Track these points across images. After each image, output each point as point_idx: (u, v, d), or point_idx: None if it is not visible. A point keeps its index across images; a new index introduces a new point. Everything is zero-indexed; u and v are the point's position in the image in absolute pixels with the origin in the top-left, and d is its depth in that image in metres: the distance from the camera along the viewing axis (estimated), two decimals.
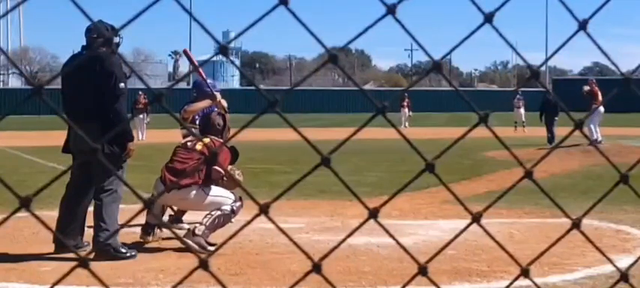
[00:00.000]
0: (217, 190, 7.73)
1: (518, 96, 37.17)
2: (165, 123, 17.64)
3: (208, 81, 9.24)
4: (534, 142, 23.21)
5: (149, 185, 9.02)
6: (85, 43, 7.58)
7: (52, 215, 7.60)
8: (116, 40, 7.57)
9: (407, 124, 39.04)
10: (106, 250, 7.06)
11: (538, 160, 1.54)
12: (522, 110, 35.43)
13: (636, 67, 1.94)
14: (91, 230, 7.68)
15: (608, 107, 22.46)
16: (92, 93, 7.19)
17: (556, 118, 24.02)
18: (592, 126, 21.51)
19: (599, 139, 21.54)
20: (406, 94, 39.93)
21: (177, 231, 8.01)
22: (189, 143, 7.98)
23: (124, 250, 7.24)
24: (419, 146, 1.31)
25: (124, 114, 7.40)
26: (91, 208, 7.65)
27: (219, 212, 7.51)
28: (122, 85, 7.27)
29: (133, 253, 7.29)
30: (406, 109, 40.33)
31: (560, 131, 23.40)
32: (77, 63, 7.45)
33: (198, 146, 7.89)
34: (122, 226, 1.65)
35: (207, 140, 7.91)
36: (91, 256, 7.11)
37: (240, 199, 7.81)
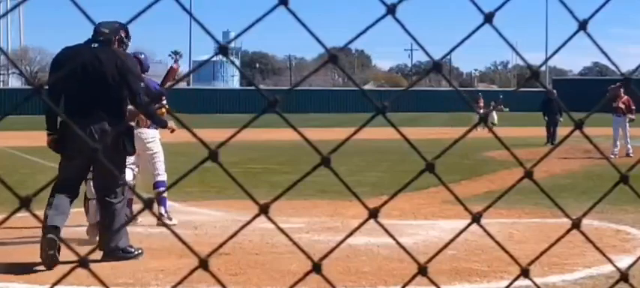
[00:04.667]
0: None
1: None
2: None
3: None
4: (534, 142, 23.20)
5: (149, 186, 9.03)
6: (92, 38, 7.22)
7: None
8: (127, 42, 7.59)
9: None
10: (116, 254, 7.06)
11: (538, 160, 1.54)
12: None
13: (636, 67, 1.94)
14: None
15: (608, 107, 22.35)
16: (108, 89, 7.04)
17: (559, 119, 24.01)
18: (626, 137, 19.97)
19: (631, 152, 19.64)
20: (480, 94, 37.99)
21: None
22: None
23: (132, 250, 7.24)
24: (419, 146, 1.31)
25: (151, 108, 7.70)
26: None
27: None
28: (142, 84, 7.65)
29: (140, 251, 7.29)
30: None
31: (560, 131, 23.42)
32: (93, 55, 7.02)
33: None
34: (122, 225, 1.65)
35: None
36: (93, 256, 7.09)
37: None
